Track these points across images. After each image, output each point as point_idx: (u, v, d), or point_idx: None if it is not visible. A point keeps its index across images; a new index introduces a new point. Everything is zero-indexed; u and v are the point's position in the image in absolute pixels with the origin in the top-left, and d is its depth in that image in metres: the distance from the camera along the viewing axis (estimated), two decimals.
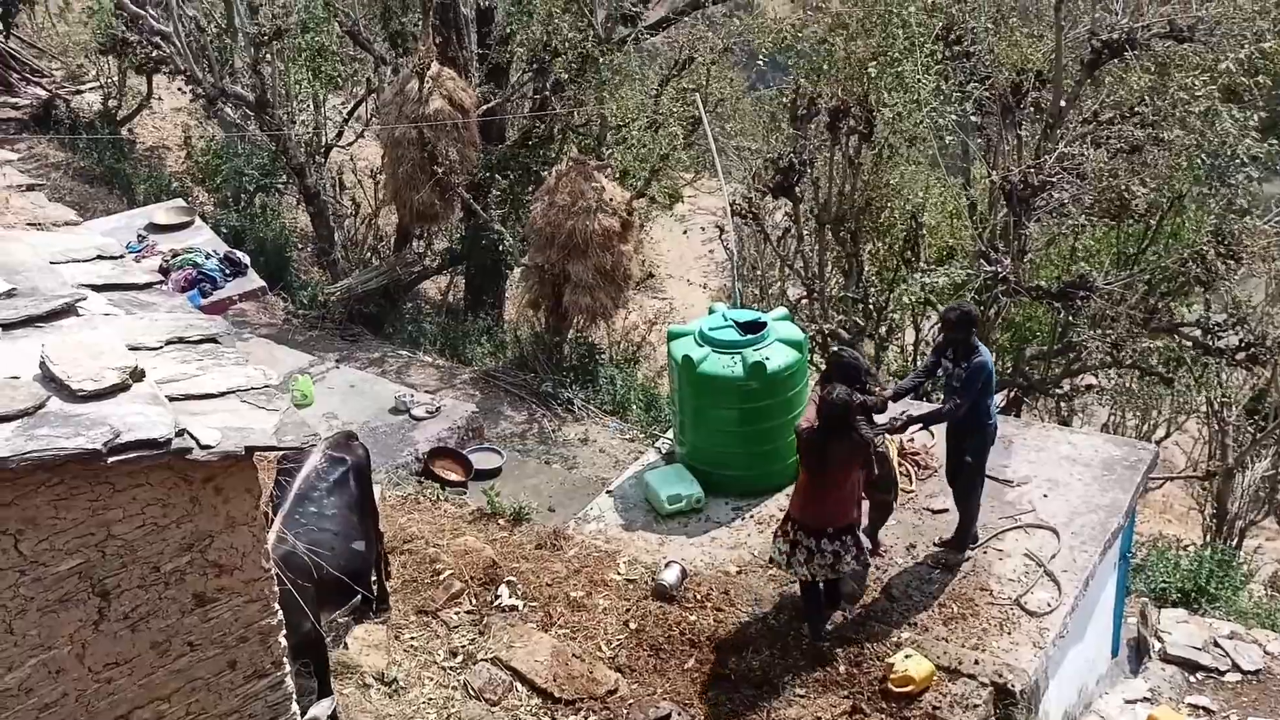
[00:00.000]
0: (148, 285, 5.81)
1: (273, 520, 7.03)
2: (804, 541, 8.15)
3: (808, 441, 8.14)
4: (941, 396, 9.05)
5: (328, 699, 7.27)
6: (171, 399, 4.69)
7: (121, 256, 6.14)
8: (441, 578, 9.05)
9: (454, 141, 15.05)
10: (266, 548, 5.11)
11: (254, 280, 13.10)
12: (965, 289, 14.54)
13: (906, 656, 8.24)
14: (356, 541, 7.79)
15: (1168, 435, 19.10)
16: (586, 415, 14.11)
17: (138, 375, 4.67)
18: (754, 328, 10.12)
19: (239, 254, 13.29)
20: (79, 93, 20.59)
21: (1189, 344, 14.22)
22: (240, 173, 18.75)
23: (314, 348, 14.92)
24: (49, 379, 4.59)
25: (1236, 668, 11.32)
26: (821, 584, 8.46)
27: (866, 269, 16.26)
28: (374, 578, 8.39)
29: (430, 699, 7.96)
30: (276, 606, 5.19)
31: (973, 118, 15.15)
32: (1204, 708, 10.85)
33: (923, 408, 9.57)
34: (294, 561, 6.83)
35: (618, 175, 15.28)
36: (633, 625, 8.79)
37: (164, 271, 12.43)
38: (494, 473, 12.33)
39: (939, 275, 14.59)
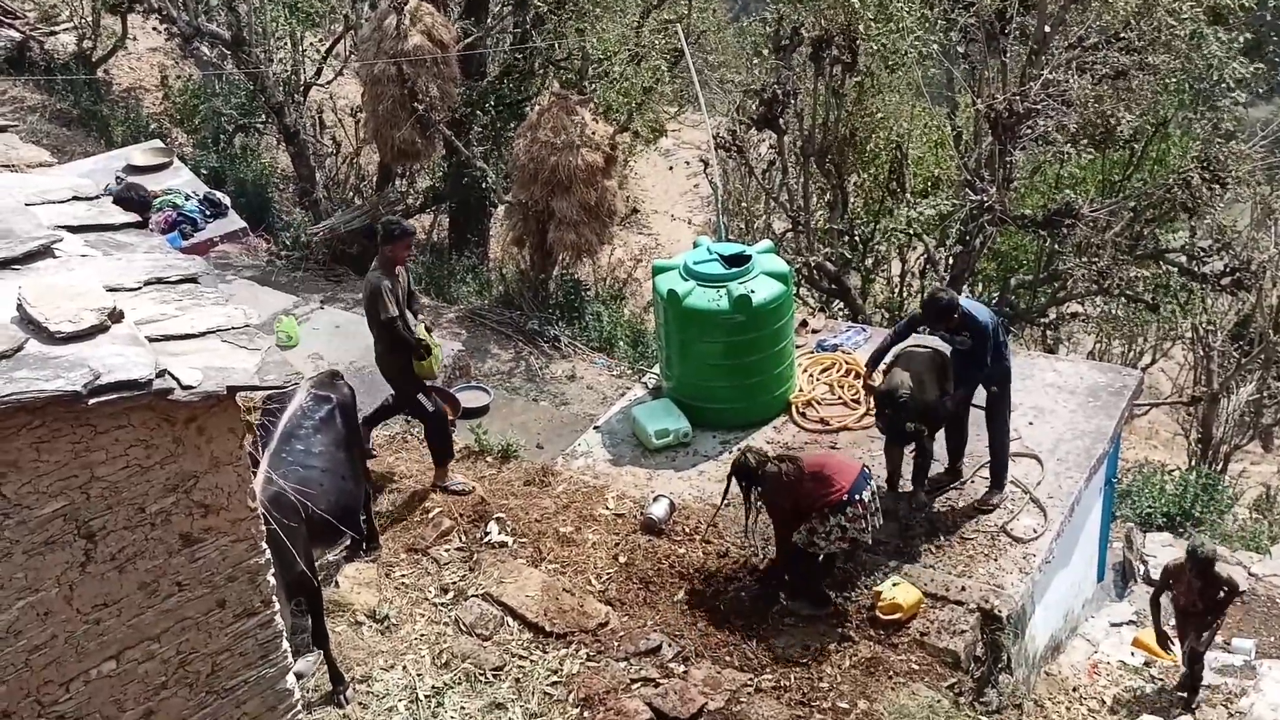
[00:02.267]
0: (124, 226, 5.73)
1: (260, 461, 7.01)
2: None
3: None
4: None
5: (312, 654, 7.30)
6: (151, 340, 4.65)
7: (97, 197, 6.06)
8: (431, 515, 9.08)
9: (434, 78, 14.83)
10: (252, 487, 5.09)
11: (235, 221, 12.96)
12: (951, 219, 14.50)
13: (894, 584, 8.32)
14: (345, 479, 7.79)
15: (1153, 362, 19.24)
16: (573, 352, 14.07)
17: (116, 316, 4.62)
18: (739, 261, 10.09)
19: (219, 195, 13.13)
20: (53, 34, 20.26)
21: (1174, 270, 14.23)
22: (219, 113, 18.54)
23: (298, 289, 14.82)
24: (26, 321, 4.54)
25: None
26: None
27: (851, 201, 16.19)
28: (363, 516, 8.40)
29: (422, 635, 8.01)
30: (264, 545, 5.19)
31: (957, 46, 15.01)
32: None
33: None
34: (283, 501, 6.82)
35: (601, 110, 15.12)
36: (622, 559, 8.83)
37: None
38: (482, 411, 12.30)
39: (924, 207, 14.54)
